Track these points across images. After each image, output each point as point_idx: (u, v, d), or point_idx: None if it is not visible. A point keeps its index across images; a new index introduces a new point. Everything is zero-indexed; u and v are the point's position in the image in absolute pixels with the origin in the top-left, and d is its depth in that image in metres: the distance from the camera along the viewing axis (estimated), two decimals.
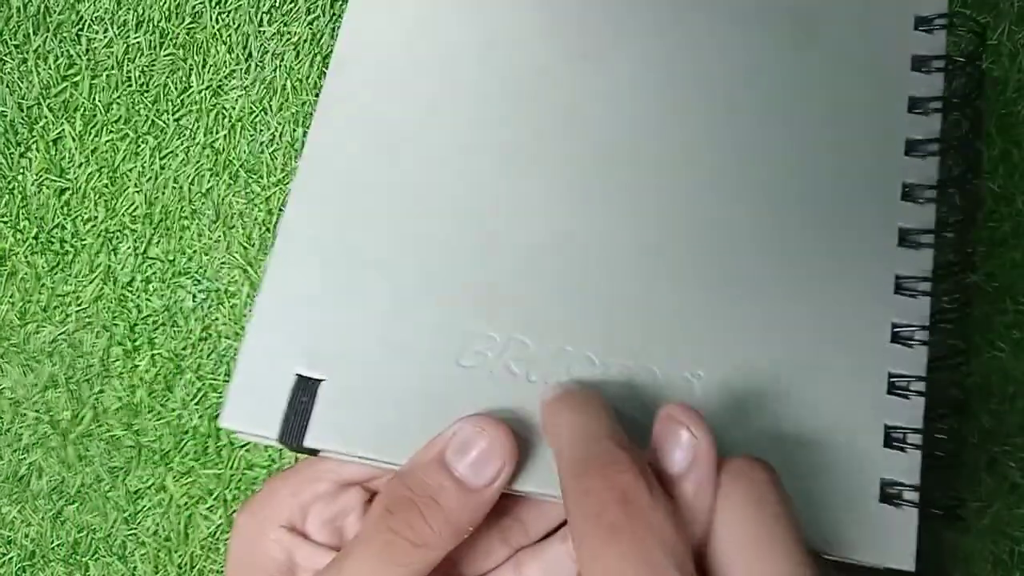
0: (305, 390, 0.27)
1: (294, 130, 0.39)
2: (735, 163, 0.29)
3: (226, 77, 0.40)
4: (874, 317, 0.28)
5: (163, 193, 0.40)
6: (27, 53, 0.41)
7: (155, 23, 0.40)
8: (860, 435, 0.26)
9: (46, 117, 0.40)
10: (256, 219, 0.39)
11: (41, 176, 0.40)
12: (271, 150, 0.39)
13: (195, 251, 0.39)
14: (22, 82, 0.41)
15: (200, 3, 0.40)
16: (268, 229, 0.39)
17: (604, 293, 0.28)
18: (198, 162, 0.39)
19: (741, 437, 0.27)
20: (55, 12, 0.41)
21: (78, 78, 0.40)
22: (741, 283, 0.28)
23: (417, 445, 0.26)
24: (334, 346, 0.28)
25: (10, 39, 0.41)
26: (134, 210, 0.40)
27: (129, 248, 0.39)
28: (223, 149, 0.39)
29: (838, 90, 0.30)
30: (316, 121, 0.30)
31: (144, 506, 0.38)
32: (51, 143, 0.40)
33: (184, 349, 0.39)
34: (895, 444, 0.26)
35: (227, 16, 0.40)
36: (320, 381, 0.27)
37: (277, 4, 0.40)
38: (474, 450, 0.25)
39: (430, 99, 0.31)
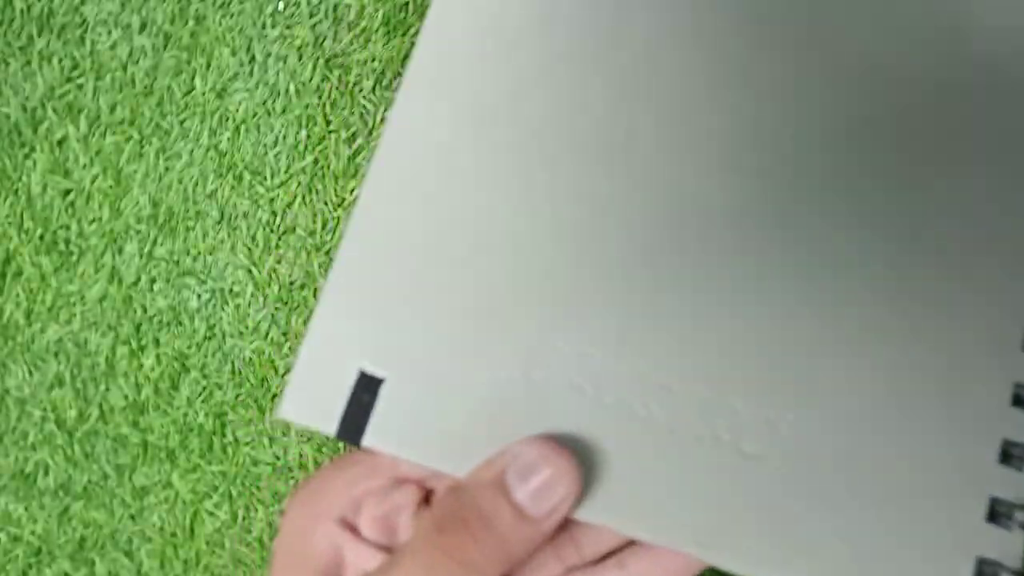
0: (367, 388, 0.26)
1: (297, 132, 0.39)
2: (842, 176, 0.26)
3: (230, 80, 0.40)
4: (991, 400, 0.25)
5: (168, 194, 0.40)
6: (31, 55, 0.41)
7: (159, 26, 0.40)
8: (960, 502, 0.25)
9: (50, 119, 0.41)
10: (260, 220, 0.39)
11: (45, 177, 0.40)
12: (274, 152, 0.39)
13: (200, 251, 0.40)
14: (26, 83, 0.41)
15: (203, 6, 0.40)
16: (272, 230, 0.39)
17: (693, 316, 0.26)
18: (202, 164, 0.40)
19: (825, 488, 0.25)
20: (59, 14, 0.41)
21: (82, 80, 0.41)
22: (847, 330, 0.26)
23: (477, 458, 0.25)
24: (400, 344, 0.26)
25: (14, 41, 0.41)
26: (139, 211, 0.40)
27: (134, 248, 0.40)
28: (227, 151, 0.40)
29: None
30: (399, 102, 0.28)
31: (150, 503, 0.39)
32: (55, 144, 0.41)
33: (189, 348, 0.39)
34: (999, 520, 0.24)
35: (230, 19, 0.40)
36: (383, 380, 0.26)
37: (280, 7, 0.40)
38: (536, 476, 0.24)
39: (521, 88, 0.28)
